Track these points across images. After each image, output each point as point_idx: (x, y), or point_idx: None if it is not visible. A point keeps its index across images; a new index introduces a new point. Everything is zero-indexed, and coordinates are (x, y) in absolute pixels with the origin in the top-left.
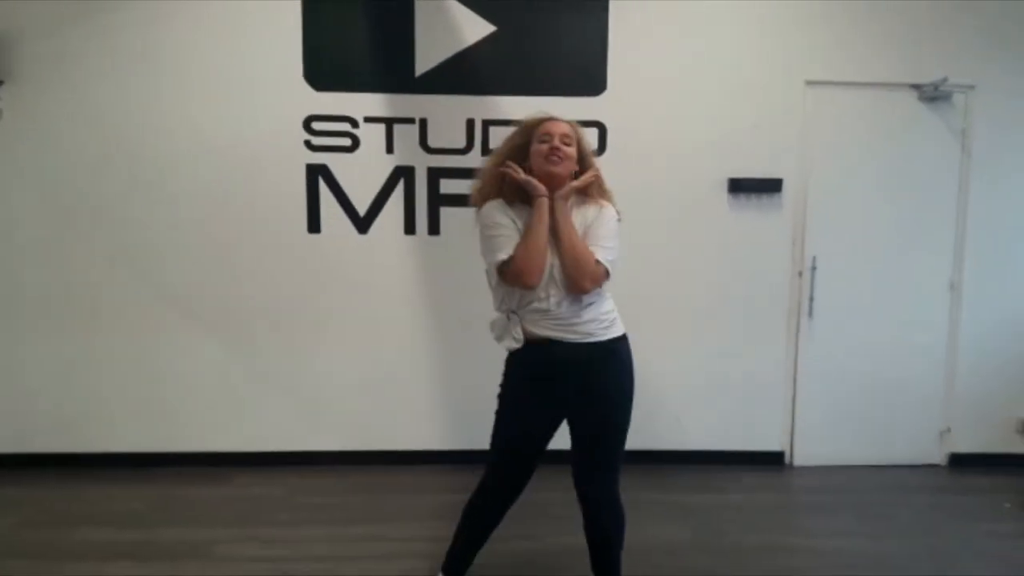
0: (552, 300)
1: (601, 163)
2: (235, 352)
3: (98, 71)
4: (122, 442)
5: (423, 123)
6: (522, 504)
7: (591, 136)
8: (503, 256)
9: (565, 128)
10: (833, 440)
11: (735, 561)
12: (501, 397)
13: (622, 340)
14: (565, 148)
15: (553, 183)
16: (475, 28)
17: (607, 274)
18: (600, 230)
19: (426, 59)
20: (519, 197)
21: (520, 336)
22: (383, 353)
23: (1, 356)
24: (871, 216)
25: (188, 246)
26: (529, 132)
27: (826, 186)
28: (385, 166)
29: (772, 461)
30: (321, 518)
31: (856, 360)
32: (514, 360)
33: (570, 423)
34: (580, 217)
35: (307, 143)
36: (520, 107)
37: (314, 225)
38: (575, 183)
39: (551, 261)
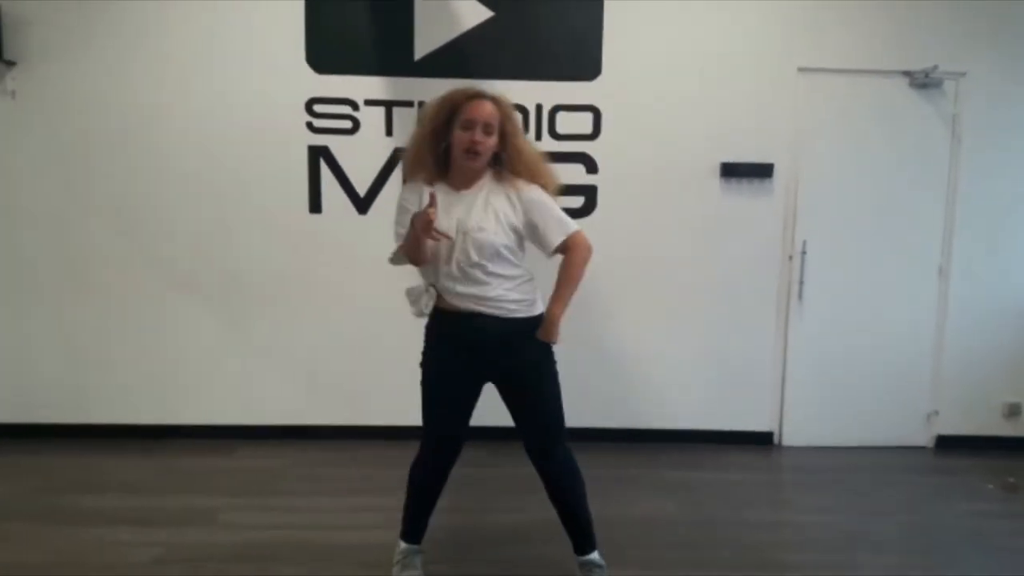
0: (455, 279)
1: (595, 147)
2: (239, 328)
3: (105, 53)
4: (128, 414)
5: (422, 106)
6: (510, 479)
7: (585, 121)
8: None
9: (488, 113)
10: (822, 422)
11: (717, 534)
12: (423, 365)
13: (535, 320)
14: (486, 140)
15: (475, 167)
16: (473, 13)
17: (581, 235)
18: (547, 222)
19: (425, 43)
20: (440, 175)
21: (429, 309)
22: (382, 330)
23: (11, 331)
24: (861, 201)
25: (193, 224)
26: (454, 109)
27: (817, 171)
28: (385, 148)
29: (761, 441)
30: (320, 489)
31: (845, 343)
32: (432, 330)
33: (502, 396)
34: (496, 205)
35: (309, 125)
36: (516, 91)
37: (315, 205)
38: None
39: (452, 247)
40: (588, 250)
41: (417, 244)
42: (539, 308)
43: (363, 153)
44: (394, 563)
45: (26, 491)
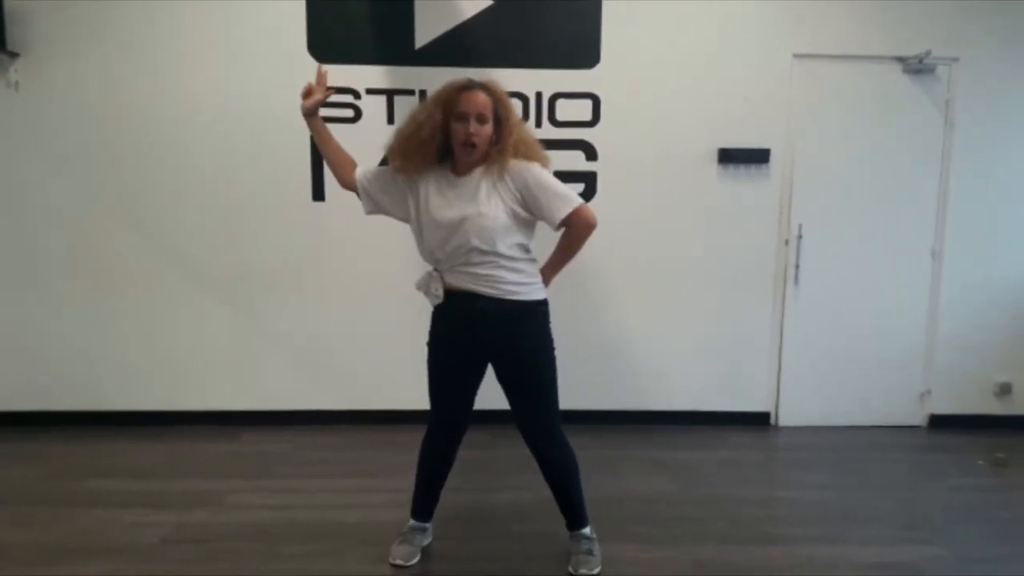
0: (453, 261)
1: (594, 134)
2: (244, 315)
3: (109, 44)
4: (137, 402)
5: (423, 95)
6: (512, 460)
7: (584, 108)
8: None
9: (481, 103)
10: (817, 402)
11: (713, 510)
12: (428, 345)
13: (535, 304)
14: (480, 130)
15: (474, 156)
16: (473, 2)
17: (584, 210)
18: (549, 198)
19: (425, 32)
20: (440, 163)
21: (440, 293)
22: (383, 317)
23: (24, 321)
24: (856, 186)
25: (199, 214)
26: (448, 104)
27: (812, 156)
28: (386, 136)
29: (758, 421)
30: (324, 471)
31: (840, 325)
32: (436, 309)
33: (498, 377)
34: (494, 189)
35: None
36: (516, 79)
37: (318, 193)
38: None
39: (452, 231)
40: (590, 226)
41: (319, 136)
42: (540, 293)
43: (365, 141)
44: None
45: (40, 476)
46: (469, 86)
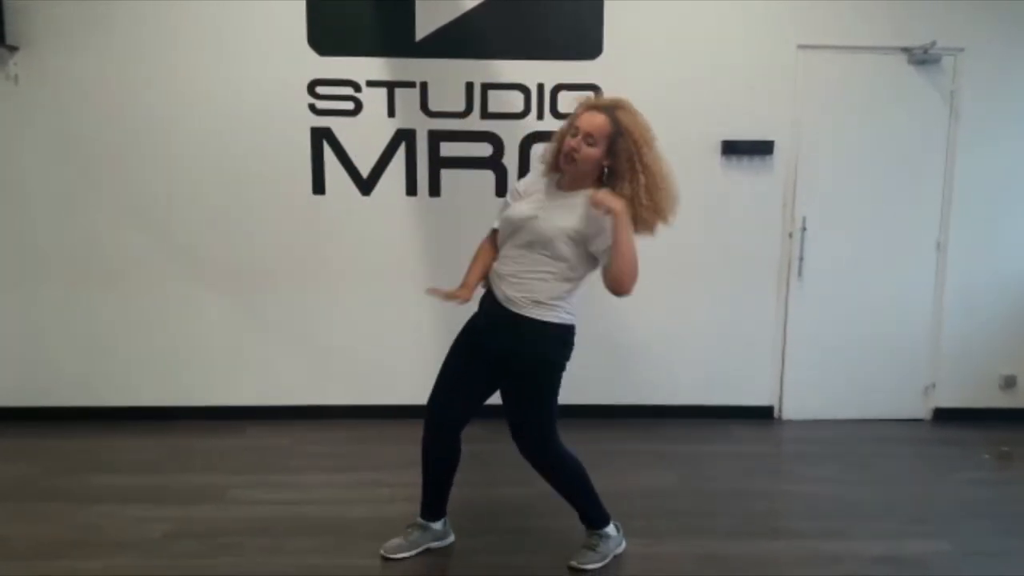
0: (510, 259)
1: None
2: (245, 310)
3: (109, 37)
4: (139, 397)
5: (424, 87)
6: (513, 455)
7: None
8: (493, 225)
9: (595, 125)
10: (821, 396)
11: (718, 504)
12: None
13: (546, 325)
14: (582, 148)
15: (572, 172)
16: None
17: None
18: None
19: (426, 24)
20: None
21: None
22: (385, 310)
23: (24, 315)
24: (860, 178)
25: (199, 207)
26: (575, 116)
27: (817, 148)
28: (387, 129)
29: (762, 415)
30: (327, 466)
31: (844, 318)
32: None
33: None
34: (578, 210)
35: (311, 107)
36: (518, 71)
37: (319, 187)
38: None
39: (508, 231)
40: (621, 284)
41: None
42: (559, 318)
43: (365, 134)
44: None
45: (41, 471)
46: (595, 105)
